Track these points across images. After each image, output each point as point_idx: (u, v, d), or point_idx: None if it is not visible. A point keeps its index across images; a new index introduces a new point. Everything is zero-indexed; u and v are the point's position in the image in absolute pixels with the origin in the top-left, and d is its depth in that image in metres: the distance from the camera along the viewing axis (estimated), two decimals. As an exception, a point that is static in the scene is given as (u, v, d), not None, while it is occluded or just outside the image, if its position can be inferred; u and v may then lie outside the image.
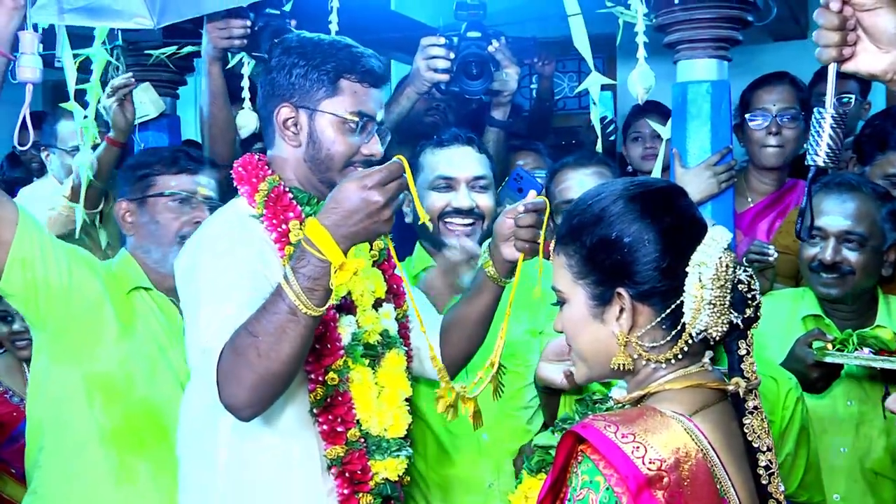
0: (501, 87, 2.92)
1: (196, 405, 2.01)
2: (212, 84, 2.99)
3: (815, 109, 1.64)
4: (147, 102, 3.27)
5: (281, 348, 1.66)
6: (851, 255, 2.39)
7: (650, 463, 1.41)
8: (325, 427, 1.92)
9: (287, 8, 2.99)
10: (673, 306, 1.53)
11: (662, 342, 1.54)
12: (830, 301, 2.46)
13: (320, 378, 1.91)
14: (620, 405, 1.57)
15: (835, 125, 1.61)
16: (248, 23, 2.85)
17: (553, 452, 1.57)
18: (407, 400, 2.04)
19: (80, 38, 2.86)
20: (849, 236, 2.39)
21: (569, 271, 1.60)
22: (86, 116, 2.81)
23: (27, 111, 2.13)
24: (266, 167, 2.01)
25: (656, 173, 3.04)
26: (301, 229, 1.85)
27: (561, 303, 1.63)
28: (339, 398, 1.93)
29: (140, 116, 3.19)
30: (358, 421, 1.95)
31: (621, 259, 1.53)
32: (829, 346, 2.27)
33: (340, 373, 1.93)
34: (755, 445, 1.58)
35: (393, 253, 2.05)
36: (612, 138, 3.50)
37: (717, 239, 1.52)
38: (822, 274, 2.41)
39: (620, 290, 1.54)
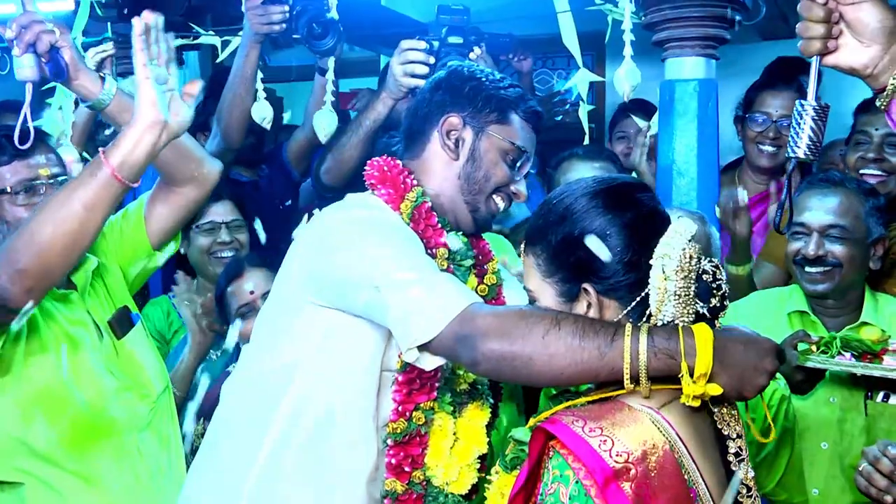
0: None
1: (265, 367, 1.96)
2: (247, 67, 3.06)
3: (797, 102, 1.65)
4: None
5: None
6: (836, 248, 2.39)
7: (617, 456, 1.42)
8: (393, 461, 1.90)
9: None
10: (638, 298, 1.55)
11: None
12: (817, 297, 2.46)
13: (407, 413, 1.89)
14: (591, 401, 1.58)
15: (816, 118, 1.62)
16: (286, 8, 2.91)
17: (527, 448, 1.58)
18: (481, 458, 1.99)
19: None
20: (831, 230, 2.40)
21: (537, 271, 1.62)
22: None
23: (28, 109, 2.09)
24: (409, 175, 1.97)
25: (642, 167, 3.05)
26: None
27: (532, 302, 1.65)
28: (417, 438, 1.91)
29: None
30: (425, 464, 1.93)
31: (585, 255, 1.55)
32: (814, 347, 2.27)
33: (427, 413, 1.91)
34: (725, 433, 1.59)
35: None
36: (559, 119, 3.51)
37: (680, 231, 1.54)
38: (807, 268, 2.42)
39: (586, 285, 1.56)
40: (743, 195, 2.71)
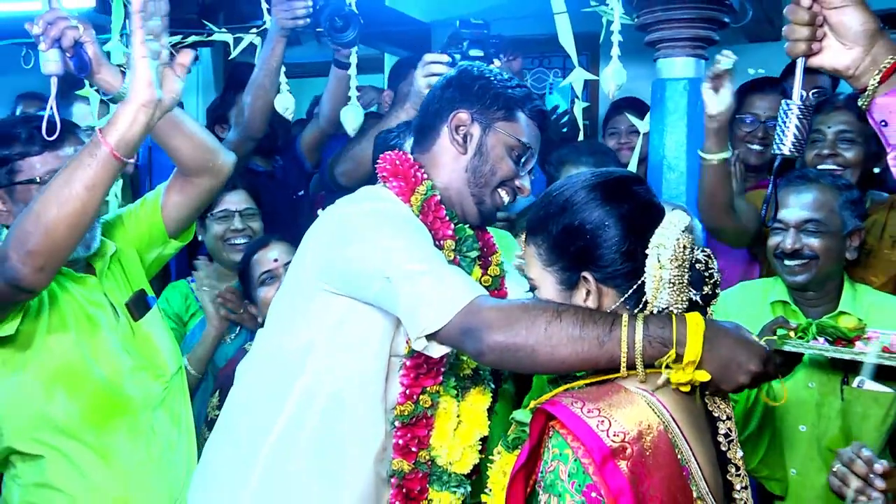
0: None
1: (280, 349, 1.97)
2: (272, 60, 3.06)
3: (782, 101, 1.66)
4: None
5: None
6: (813, 241, 2.40)
7: (614, 436, 1.43)
8: (400, 441, 1.91)
9: None
10: (635, 286, 1.56)
11: None
12: (797, 288, 2.48)
13: (414, 396, 1.90)
14: (589, 383, 1.59)
15: (801, 116, 1.63)
16: (309, 3, 2.92)
17: (528, 429, 1.59)
18: (483, 440, 2.00)
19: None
20: (807, 225, 2.41)
21: (538, 260, 1.63)
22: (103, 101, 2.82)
23: (54, 102, 2.08)
24: (419, 168, 1.97)
25: (633, 165, 3.06)
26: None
27: (533, 290, 1.66)
28: (423, 420, 1.92)
29: None
30: (430, 445, 1.94)
31: (585, 245, 1.57)
32: (792, 333, 2.28)
33: (433, 397, 1.92)
34: (715, 415, 1.61)
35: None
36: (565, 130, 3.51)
37: (674, 222, 1.55)
38: (787, 261, 2.43)
39: (586, 274, 1.57)
40: (727, 63, 2.57)
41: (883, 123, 1.60)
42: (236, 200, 3.02)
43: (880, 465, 1.84)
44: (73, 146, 2.21)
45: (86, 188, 1.88)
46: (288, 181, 3.56)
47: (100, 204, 1.94)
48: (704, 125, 2.65)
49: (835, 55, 1.60)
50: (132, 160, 1.94)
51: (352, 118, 3.14)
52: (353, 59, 3.11)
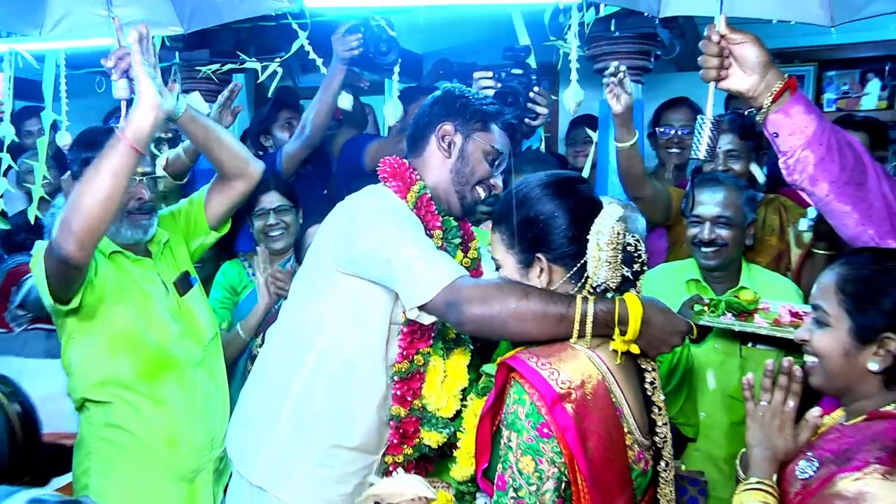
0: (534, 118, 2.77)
1: (302, 318, 1.97)
2: (333, 83, 3.03)
3: (698, 116, 1.68)
4: (197, 106, 3.25)
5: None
6: (723, 233, 2.41)
7: (562, 383, 1.46)
8: (398, 392, 1.92)
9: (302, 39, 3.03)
10: (579, 265, 1.57)
11: (573, 292, 1.58)
12: (709, 269, 2.48)
13: (410, 356, 1.91)
14: (543, 342, 1.59)
15: (713, 128, 1.66)
16: (360, 35, 2.92)
17: (494, 379, 1.61)
18: (463, 390, 1.98)
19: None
20: (719, 219, 2.41)
21: (501, 244, 1.64)
22: None
23: (124, 121, 2.06)
24: (414, 171, 1.96)
25: (587, 169, 3.05)
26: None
27: (498, 268, 1.68)
28: (417, 374, 1.93)
29: None
30: (422, 395, 1.95)
31: (538, 232, 1.58)
32: (706, 308, 2.32)
33: (425, 356, 1.93)
34: (643, 367, 1.63)
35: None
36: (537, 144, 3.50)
37: (611, 213, 1.56)
38: (703, 249, 2.43)
39: (539, 255, 1.59)
40: (624, 67, 2.57)
41: (775, 135, 1.64)
42: (270, 199, 2.96)
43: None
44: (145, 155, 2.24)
45: (112, 175, 1.92)
46: (317, 182, 3.51)
47: (124, 188, 1.96)
48: (613, 122, 2.65)
49: (738, 80, 1.64)
50: (145, 153, 1.99)
51: (392, 112, 3.16)
52: (396, 70, 3.16)
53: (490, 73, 2.58)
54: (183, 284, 2.40)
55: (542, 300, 1.56)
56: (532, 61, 2.73)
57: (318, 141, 3.14)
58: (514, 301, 1.57)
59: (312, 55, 3.10)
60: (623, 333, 1.53)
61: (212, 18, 2.74)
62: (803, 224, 2.55)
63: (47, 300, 2.10)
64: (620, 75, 2.53)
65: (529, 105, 2.55)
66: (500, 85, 2.54)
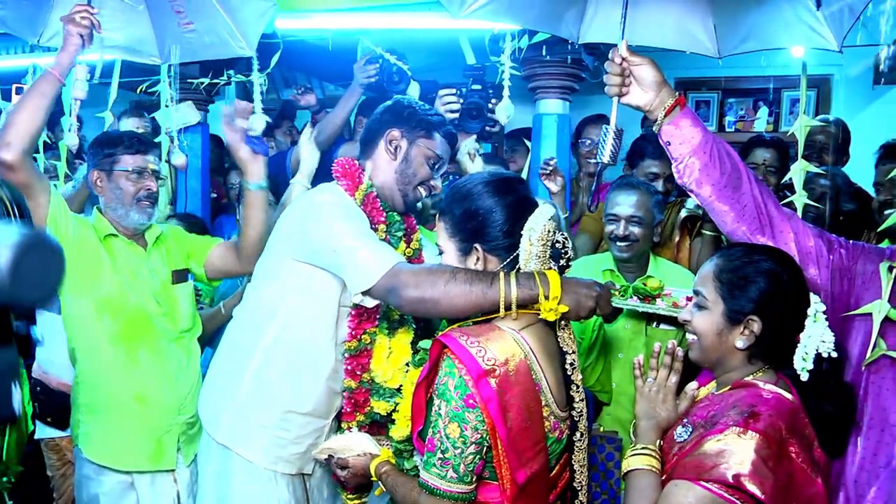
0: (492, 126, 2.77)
1: (262, 299, 1.88)
2: (350, 103, 3.01)
3: (602, 126, 1.68)
4: (189, 114, 3.22)
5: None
6: (635, 230, 2.37)
7: (488, 360, 1.38)
8: (349, 367, 1.85)
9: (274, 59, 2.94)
10: (512, 257, 1.49)
11: None
12: (622, 261, 2.45)
13: (358, 335, 1.84)
14: (474, 322, 1.53)
15: (615, 136, 1.65)
16: (377, 65, 2.87)
17: (429, 353, 1.53)
18: (407, 364, 1.90)
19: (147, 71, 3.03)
20: (633, 218, 2.37)
21: (445, 232, 1.56)
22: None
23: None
24: (362, 171, 1.88)
25: (524, 173, 2.98)
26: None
27: (441, 253, 1.59)
28: (364, 351, 1.86)
29: (183, 123, 3.17)
30: (370, 369, 1.88)
31: (477, 224, 1.50)
32: (617, 292, 2.28)
33: (371, 335, 1.86)
34: (564, 349, 1.56)
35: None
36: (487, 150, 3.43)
37: (543, 212, 1.49)
38: (618, 243, 2.39)
39: (477, 245, 1.51)
40: (553, 161, 2.64)
41: (668, 143, 1.64)
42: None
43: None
44: (154, 156, 2.27)
45: (40, 96, 2.01)
46: (314, 183, 3.39)
47: (47, 108, 2.02)
48: (550, 199, 2.64)
49: (637, 96, 1.63)
50: (64, 83, 2.08)
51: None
52: (416, 90, 3.01)
53: (454, 91, 2.51)
54: (179, 275, 2.32)
55: (468, 278, 1.49)
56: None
57: (326, 147, 3.05)
58: (442, 282, 1.50)
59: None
60: (546, 298, 1.45)
61: (186, 55, 2.81)
62: (684, 212, 2.55)
63: None
64: (552, 166, 2.62)
65: (490, 115, 2.54)
66: (462, 101, 2.49)
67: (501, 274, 1.47)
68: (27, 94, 2.00)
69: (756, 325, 1.41)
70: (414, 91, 2.83)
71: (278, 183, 2.82)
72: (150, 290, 2.22)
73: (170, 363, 2.21)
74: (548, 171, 2.65)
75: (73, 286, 2.14)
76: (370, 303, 1.66)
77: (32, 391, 2.66)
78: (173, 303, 2.27)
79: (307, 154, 2.39)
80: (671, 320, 2.26)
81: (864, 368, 1.54)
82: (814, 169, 2.10)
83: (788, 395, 1.39)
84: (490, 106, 2.52)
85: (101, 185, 2.22)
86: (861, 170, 2.91)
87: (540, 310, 1.46)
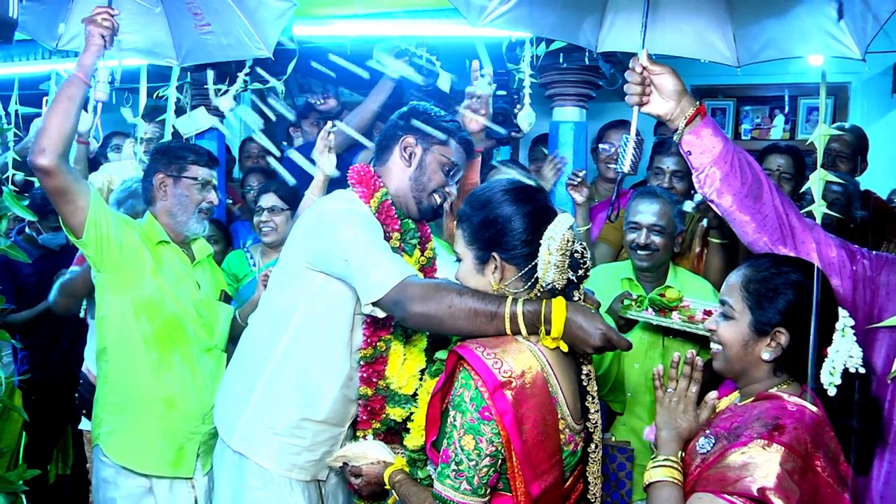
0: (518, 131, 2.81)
1: (277, 306, 1.86)
2: (381, 94, 3.02)
3: (623, 135, 1.66)
4: (203, 119, 3.25)
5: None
6: (657, 239, 2.34)
7: (504, 372, 1.36)
8: (364, 374, 1.83)
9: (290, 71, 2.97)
10: (530, 266, 1.46)
11: (522, 290, 1.48)
12: (642, 270, 2.41)
13: (373, 343, 1.82)
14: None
15: (635, 146, 1.64)
16: (407, 58, 2.90)
17: (445, 364, 1.51)
18: (421, 370, 1.88)
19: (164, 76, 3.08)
20: (654, 227, 2.34)
21: (463, 240, 1.53)
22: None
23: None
24: (378, 178, 1.85)
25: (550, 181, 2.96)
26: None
27: (458, 260, 1.56)
28: (380, 358, 1.84)
29: (198, 128, 3.23)
30: (385, 376, 1.85)
31: (496, 233, 1.47)
32: (634, 303, 2.24)
33: (387, 342, 1.84)
34: (580, 360, 1.54)
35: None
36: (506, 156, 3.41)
37: (562, 221, 1.46)
38: (639, 252, 2.36)
39: (495, 254, 1.48)
40: (582, 173, 2.66)
41: (688, 153, 1.61)
42: (268, 200, 2.90)
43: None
44: (215, 170, 2.34)
45: (68, 99, 1.99)
46: (330, 187, 3.40)
47: (76, 111, 2.01)
48: (574, 209, 2.70)
49: (657, 105, 1.61)
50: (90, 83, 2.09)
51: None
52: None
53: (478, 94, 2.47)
54: (225, 296, 2.40)
55: (476, 300, 1.47)
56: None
57: (354, 137, 3.02)
58: (449, 300, 1.49)
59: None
60: (548, 332, 1.42)
61: (202, 56, 2.78)
62: (688, 206, 2.46)
63: (68, 234, 2.10)
64: (580, 177, 2.64)
65: (515, 121, 2.54)
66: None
67: (510, 299, 1.45)
68: (56, 100, 2.02)
69: (783, 338, 1.38)
70: (444, 82, 2.80)
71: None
72: (193, 298, 2.24)
73: (200, 372, 2.22)
74: (576, 182, 2.63)
75: (114, 286, 2.15)
76: (380, 314, 1.64)
77: (75, 383, 2.69)
78: (214, 316, 2.29)
79: (323, 163, 2.38)
80: (685, 334, 2.22)
81: (889, 381, 1.50)
82: (833, 178, 2.06)
83: (814, 408, 1.35)
84: (516, 111, 2.52)
85: (165, 190, 2.25)
86: (880, 178, 2.86)
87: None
